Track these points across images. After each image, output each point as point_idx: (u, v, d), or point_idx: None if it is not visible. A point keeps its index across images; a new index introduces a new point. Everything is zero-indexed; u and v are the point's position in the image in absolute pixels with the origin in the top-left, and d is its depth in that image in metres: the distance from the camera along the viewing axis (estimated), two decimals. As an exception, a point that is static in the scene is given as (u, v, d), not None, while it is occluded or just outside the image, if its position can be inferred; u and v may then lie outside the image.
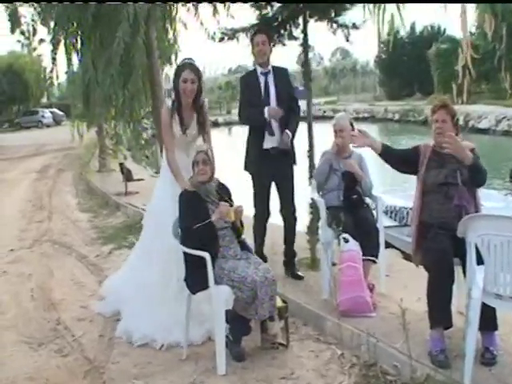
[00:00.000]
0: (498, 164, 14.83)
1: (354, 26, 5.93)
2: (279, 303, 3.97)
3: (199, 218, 3.87)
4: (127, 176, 10.80)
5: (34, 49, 47.87)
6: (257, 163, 5.07)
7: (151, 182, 7.02)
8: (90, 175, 13.86)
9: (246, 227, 4.19)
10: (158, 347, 4.16)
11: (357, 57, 67.68)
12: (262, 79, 5.05)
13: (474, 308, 3.28)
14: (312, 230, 5.48)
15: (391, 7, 4.27)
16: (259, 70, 5.07)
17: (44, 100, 50.56)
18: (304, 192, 5.52)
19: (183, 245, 3.89)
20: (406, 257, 5.77)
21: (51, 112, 45.48)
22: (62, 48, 9.09)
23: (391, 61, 41.88)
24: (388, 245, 5.86)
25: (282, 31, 5.86)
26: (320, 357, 3.92)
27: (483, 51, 21.07)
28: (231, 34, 6.14)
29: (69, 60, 9.24)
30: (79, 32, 9.11)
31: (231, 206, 3.99)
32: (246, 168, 5.23)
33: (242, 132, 5.43)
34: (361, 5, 4.82)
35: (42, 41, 41.54)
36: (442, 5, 4.29)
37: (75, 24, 8.90)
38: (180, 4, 8.97)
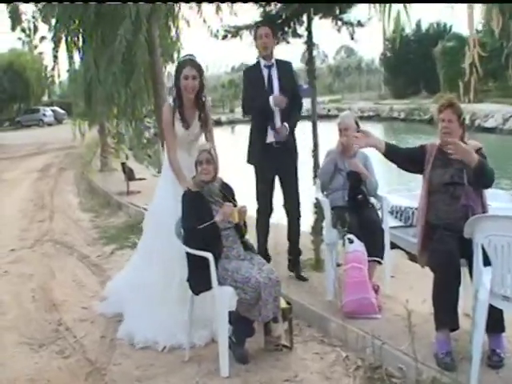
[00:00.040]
0: (505, 163, 14.81)
1: (359, 24, 5.92)
2: (283, 304, 3.98)
3: (202, 218, 3.86)
4: (129, 175, 10.81)
5: (35, 46, 47.89)
6: (260, 156, 5.08)
7: (153, 182, 7.02)
8: (92, 174, 13.87)
9: (248, 226, 4.19)
10: (160, 349, 4.17)
11: (362, 55, 67.55)
12: (265, 72, 5.05)
13: (481, 310, 3.28)
14: (316, 230, 5.47)
15: (397, 4, 4.25)
16: (262, 62, 5.08)
17: (45, 98, 50.61)
18: (308, 192, 5.51)
19: (186, 245, 3.89)
20: (412, 258, 5.75)
21: (52, 110, 45.55)
22: (63, 46, 9.11)
23: (396, 59, 41.82)
24: (393, 245, 5.85)
25: (286, 28, 5.85)
26: (324, 359, 3.92)
27: (490, 49, 21.03)
28: (234, 32, 6.13)
29: (70, 58, 9.25)
30: (81, 29, 9.12)
31: (235, 206, 3.99)
32: (249, 160, 5.24)
33: (245, 131, 5.43)
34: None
35: (43, 38, 41.53)
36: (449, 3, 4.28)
37: (77, 21, 8.91)
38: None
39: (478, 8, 3.90)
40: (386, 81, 46.92)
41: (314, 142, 5.62)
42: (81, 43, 9.26)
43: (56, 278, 6.14)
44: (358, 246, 4.41)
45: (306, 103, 5.67)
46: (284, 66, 5.11)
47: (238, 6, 7.97)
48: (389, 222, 4.95)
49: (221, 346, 3.78)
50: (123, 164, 11.14)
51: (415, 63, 40.15)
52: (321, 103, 32.77)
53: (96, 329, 4.66)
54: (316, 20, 5.73)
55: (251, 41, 5.67)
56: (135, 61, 8.17)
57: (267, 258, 5.16)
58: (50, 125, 43.15)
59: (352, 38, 6.03)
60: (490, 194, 4.05)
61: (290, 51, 6.76)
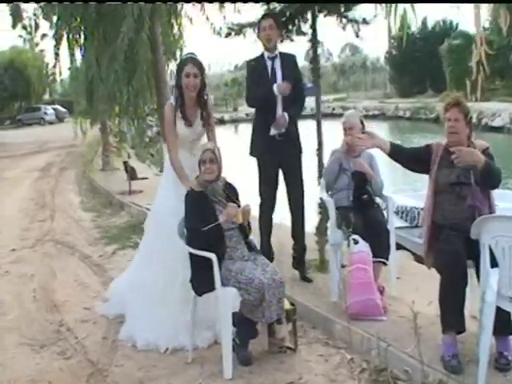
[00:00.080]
0: (513, 163, 14.76)
1: (365, 21, 5.90)
2: (287, 306, 3.97)
3: (206, 218, 3.86)
4: (131, 174, 10.82)
5: (37, 44, 48.17)
6: (263, 149, 5.09)
7: (156, 181, 7.05)
8: (94, 174, 13.90)
9: (250, 224, 4.18)
10: (162, 351, 4.17)
11: (367, 53, 67.53)
12: (268, 63, 5.07)
13: (488, 312, 3.27)
14: (321, 230, 5.47)
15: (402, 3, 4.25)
16: (266, 54, 5.10)
17: (46, 96, 50.68)
18: (313, 192, 5.50)
19: (189, 245, 3.89)
20: (418, 259, 5.75)
21: (54, 109, 45.63)
22: (64, 43, 9.12)
23: (402, 57, 41.73)
24: (399, 246, 5.84)
25: (291, 26, 5.84)
26: (329, 361, 3.92)
27: (497, 47, 21.01)
28: (238, 30, 6.12)
29: (72, 55, 9.25)
30: (82, 27, 9.12)
31: (239, 206, 3.99)
32: (252, 153, 5.25)
33: (248, 130, 5.43)
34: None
35: (44, 36, 41.72)
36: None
37: (78, 19, 8.92)
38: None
39: (485, 6, 3.88)
40: (391, 79, 46.82)
41: (319, 141, 5.60)
42: (82, 41, 9.26)
43: (57, 278, 6.15)
44: (363, 247, 4.41)
45: (311, 102, 5.68)
46: (288, 58, 5.15)
47: (240, 3, 7.95)
48: (394, 223, 4.95)
49: (224, 348, 3.78)
50: (125, 163, 11.16)
51: (421, 61, 40.06)
52: (325, 102, 32.78)
53: (98, 330, 4.66)
54: (321, 17, 5.72)
55: (255, 39, 5.67)
56: (137, 59, 8.17)
57: (270, 255, 5.18)
58: (51, 123, 43.22)
59: (357, 36, 6.01)
60: (497, 194, 4.04)
61: (294, 49, 6.75)
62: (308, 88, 6.54)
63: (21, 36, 46.37)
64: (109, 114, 10.51)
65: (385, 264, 4.60)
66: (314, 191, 5.47)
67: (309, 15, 5.62)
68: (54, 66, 9.61)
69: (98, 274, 6.15)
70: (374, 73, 59.14)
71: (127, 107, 9.32)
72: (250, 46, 5.54)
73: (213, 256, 3.73)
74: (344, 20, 5.83)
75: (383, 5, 3.99)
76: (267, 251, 5.13)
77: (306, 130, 5.57)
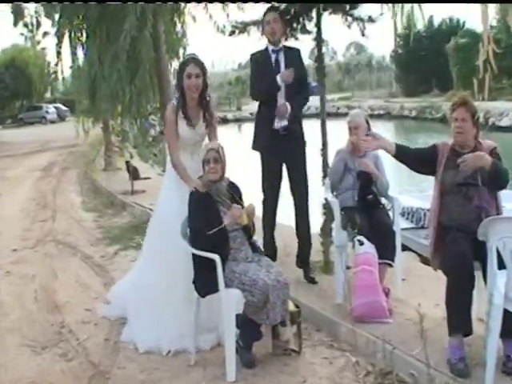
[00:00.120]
0: (520, 163, 14.71)
1: (370, 20, 5.89)
2: (291, 308, 3.97)
3: (210, 220, 3.87)
4: (133, 174, 10.82)
5: (38, 42, 48.26)
6: (266, 142, 5.10)
7: (158, 181, 7.05)
8: (96, 173, 13.91)
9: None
10: (164, 353, 4.16)
11: (372, 51, 67.62)
12: (272, 56, 5.11)
13: (496, 314, 3.26)
14: (325, 231, 5.46)
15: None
16: (270, 47, 5.14)
17: (48, 95, 50.79)
18: (317, 192, 5.50)
19: (192, 246, 3.89)
20: (424, 260, 5.75)
21: (55, 107, 45.69)
22: (66, 41, 9.14)
23: (408, 56, 41.67)
24: (404, 248, 5.85)
25: (295, 25, 5.83)
26: (334, 364, 3.91)
27: (505, 45, 20.94)
28: (242, 28, 6.11)
29: (74, 54, 9.27)
30: (85, 25, 9.14)
31: (242, 206, 3.99)
32: (255, 147, 5.26)
33: (252, 129, 5.43)
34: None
35: (45, 34, 41.85)
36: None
37: (80, 17, 8.93)
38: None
39: (493, 4, 3.88)
40: (397, 78, 46.77)
41: (323, 140, 5.59)
42: (84, 39, 9.28)
43: (59, 278, 6.16)
44: (369, 248, 4.40)
45: (315, 101, 5.67)
46: (292, 52, 5.19)
47: (240, 3, 7.94)
48: (400, 224, 4.94)
49: (227, 350, 3.77)
50: (127, 163, 11.16)
51: (427, 60, 39.99)
52: (330, 101, 32.73)
53: (100, 331, 4.66)
54: (325, 16, 5.71)
55: (259, 37, 5.68)
56: (140, 57, 8.18)
57: (273, 252, 5.17)
58: (52, 122, 43.28)
59: (363, 35, 6.00)
60: (505, 195, 4.03)
61: (299, 48, 6.74)
62: (313, 87, 6.53)
63: (22, 34, 46.59)
64: (111, 113, 10.53)
65: (390, 266, 4.59)
66: (318, 191, 5.47)
67: (314, 13, 5.61)
68: (56, 65, 9.64)
69: (99, 275, 6.16)
70: (379, 72, 59.10)
71: (130, 106, 9.33)
72: (255, 45, 5.54)
73: (216, 257, 3.72)
74: (349, 18, 5.81)
75: (390, 4, 3.99)
76: (270, 248, 5.14)
77: (310, 129, 5.56)
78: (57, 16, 9.27)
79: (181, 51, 10.01)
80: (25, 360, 4.26)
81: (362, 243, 4.41)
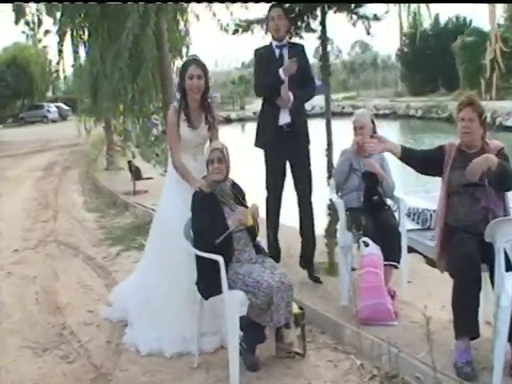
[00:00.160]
0: (528, 164, 14.66)
1: (376, 18, 5.88)
2: (295, 310, 3.97)
3: (214, 220, 3.87)
4: (136, 174, 10.83)
5: (40, 40, 48.28)
6: (270, 139, 5.11)
7: (161, 181, 7.05)
8: (97, 173, 13.92)
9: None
10: (167, 356, 4.16)
11: (377, 50, 67.50)
12: (276, 51, 5.14)
13: (503, 317, 3.26)
14: (330, 233, 5.45)
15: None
16: (274, 43, 5.17)
17: (49, 94, 50.90)
18: (322, 193, 5.50)
19: (195, 247, 3.89)
20: (430, 262, 5.73)
21: (57, 106, 45.77)
22: (68, 40, 9.16)
23: (414, 54, 41.63)
24: (410, 249, 5.83)
25: (300, 23, 5.83)
26: (338, 367, 3.91)
27: (512, 44, 20.87)
28: (246, 26, 6.11)
29: (75, 52, 9.30)
30: (87, 23, 9.16)
31: (246, 207, 4.00)
32: (258, 144, 5.27)
33: (255, 129, 5.43)
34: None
35: (47, 32, 41.85)
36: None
37: (82, 15, 8.95)
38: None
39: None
40: (402, 77, 46.74)
41: (328, 140, 5.59)
42: (86, 37, 9.30)
43: (60, 280, 6.16)
44: (374, 250, 4.39)
45: (320, 100, 5.68)
46: (296, 48, 5.21)
47: (240, 3, 7.93)
48: (406, 225, 4.93)
49: (231, 353, 3.76)
50: (130, 162, 11.16)
51: (433, 59, 39.94)
52: (335, 100, 32.70)
53: (101, 333, 4.67)
54: (330, 14, 5.71)
55: (263, 35, 5.69)
56: (143, 56, 8.20)
57: (277, 253, 5.17)
58: (54, 121, 43.37)
59: (368, 33, 5.99)
60: (512, 196, 4.02)
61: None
62: (317, 86, 6.53)
63: (24, 32, 46.52)
64: (113, 113, 10.56)
65: (396, 267, 4.59)
66: (323, 192, 5.46)
67: (318, 11, 5.61)
68: (58, 63, 9.68)
69: (101, 276, 6.16)
70: (384, 71, 59.06)
71: (132, 105, 9.35)
72: (258, 43, 5.55)
73: (220, 258, 3.72)
74: (354, 16, 5.81)
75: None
76: (274, 249, 5.14)
77: (315, 129, 5.57)
78: (58, 14, 9.30)
79: (184, 50, 10.04)
80: (26, 362, 4.27)
81: (367, 244, 4.41)
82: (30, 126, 40.31)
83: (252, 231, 4.01)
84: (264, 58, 5.18)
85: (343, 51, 72.90)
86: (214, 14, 8.97)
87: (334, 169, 5.24)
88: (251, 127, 7.10)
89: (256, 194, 4.82)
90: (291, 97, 4.99)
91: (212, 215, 3.90)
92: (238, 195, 4.09)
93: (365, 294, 4.26)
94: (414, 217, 7.84)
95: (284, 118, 5.06)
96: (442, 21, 43.08)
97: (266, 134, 5.15)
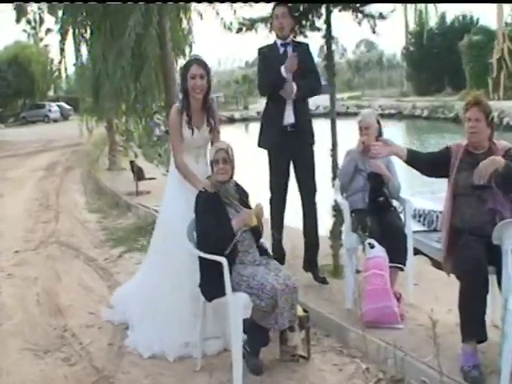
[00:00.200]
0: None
1: (381, 16, 5.88)
2: (300, 312, 3.96)
3: (219, 221, 3.86)
4: (138, 175, 10.84)
5: (41, 39, 48.48)
6: (274, 140, 5.10)
7: (163, 181, 7.03)
8: (99, 173, 13.95)
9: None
10: (170, 359, 4.15)
11: (382, 49, 67.48)
12: (281, 49, 5.14)
13: (511, 320, 3.24)
14: (335, 234, 5.44)
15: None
16: (279, 42, 5.18)
17: (51, 93, 50.98)
18: (327, 194, 5.49)
19: (199, 249, 3.89)
20: (436, 264, 5.72)
21: (58, 106, 45.83)
22: (70, 38, 9.17)
23: (420, 53, 41.56)
24: (416, 251, 5.82)
25: (304, 22, 5.83)
26: (343, 371, 3.90)
27: (520, 43, 20.79)
28: (249, 25, 6.11)
29: (77, 51, 9.31)
30: (89, 21, 9.17)
31: (250, 208, 3.99)
32: (261, 144, 5.27)
33: (259, 129, 5.43)
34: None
35: (49, 30, 42.00)
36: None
37: (84, 13, 8.96)
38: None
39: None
40: (408, 76, 46.66)
41: (333, 140, 5.58)
42: (88, 36, 9.31)
43: (61, 281, 6.18)
44: (379, 252, 4.38)
45: (324, 100, 5.67)
46: (301, 46, 5.21)
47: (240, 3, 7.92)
48: (412, 227, 4.91)
49: (234, 356, 3.76)
50: (132, 163, 11.17)
51: (439, 58, 39.86)
52: (339, 100, 32.70)
53: (103, 335, 4.67)
54: (335, 12, 5.70)
55: (267, 34, 5.69)
56: (145, 54, 8.20)
57: (282, 256, 5.16)
58: (55, 121, 43.45)
59: (374, 32, 5.98)
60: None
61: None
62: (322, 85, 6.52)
63: (25, 31, 46.79)
64: (115, 112, 10.56)
65: (402, 270, 4.58)
66: (328, 193, 5.45)
67: (323, 10, 5.61)
68: (59, 62, 9.69)
69: (103, 278, 6.17)
70: (390, 70, 59.00)
71: (134, 105, 9.36)
72: (262, 42, 5.55)
73: (223, 260, 3.71)
74: (360, 15, 5.80)
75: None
76: (278, 251, 5.13)
77: (319, 129, 5.55)
78: (60, 13, 9.31)
79: (187, 49, 10.03)
80: (27, 364, 4.27)
81: (372, 246, 4.40)
82: (31, 126, 40.40)
83: (256, 231, 4.01)
84: (268, 57, 5.18)
85: (348, 50, 72.86)
86: (218, 13, 8.96)
87: (338, 169, 5.23)
88: (255, 127, 7.11)
89: (259, 195, 4.82)
90: (294, 87, 4.98)
91: (217, 216, 3.90)
92: (242, 196, 4.09)
93: (370, 296, 4.25)
94: (420, 218, 7.83)
95: (288, 118, 5.06)
96: (449, 19, 42.98)
97: (270, 134, 5.14)
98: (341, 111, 23.62)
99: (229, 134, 4.74)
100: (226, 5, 8.39)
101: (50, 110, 44.80)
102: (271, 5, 5.38)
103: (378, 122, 4.96)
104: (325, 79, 5.77)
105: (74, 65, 10.07)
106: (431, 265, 6.13)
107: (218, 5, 8.79)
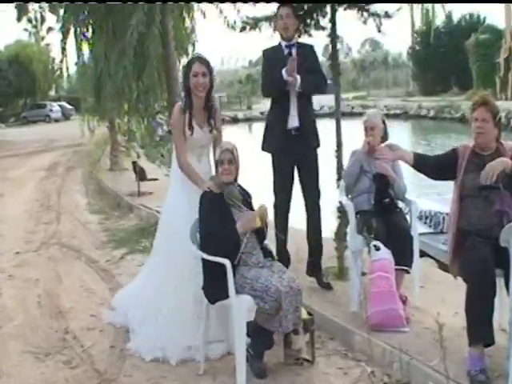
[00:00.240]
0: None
1: (387, 15, 5.87)
2: (304, 315, 3.95)
3: (223, 222, 3.86)
4: (140, 175, 10.85)
5: (42, 38, 48.57)
6: (278, 143, 5.11)
7: (166, 182, 7.05)
8: (101, 174, 13.97)
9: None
10: (172, 363, 4.15)
11: (388, 48, 67.60)
12: (285, 51, 5.13)
13: (519, 324, 3.24)
14: (340, 236, 5.44)
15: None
16: (283, 43, 5.17)
17: (52, 93, 51.05)
18: (331, 195, 5.49)
19: (202, 250, 3.89)
20: (443, 267, 5.72)
21: (60, 106, 45.95)
22: (71, 37, 9.19)
23: (426, 53, 41.55)
24: (422, 253, 5.81)
25: (309, 20, 5.83)
26: (348, 374, 3.89)
27: (527, 42, 20.80)
28: (253, 24, 6.11)
29: (79, 50, 9.32)
30: (90, 20, 9.18)
31: (253, 210, 4.00)
32: (265, 148, 5.27)
33: (263, 129, 5.43)
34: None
35: (50, 29, 42.06)
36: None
37: (86, 12, 8.98)
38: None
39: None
40: (414, 76, 46.68)
41: (338, 141, 5.58)
42: (90, 35, 9.32)
43: (63, 283, 6.18)
44: (385, 254, 4.38)
45: (329, 100, 5.66)
46: (305, 47, 5.21)
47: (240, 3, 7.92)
48: (418, 228, 4.91)
49: (238, 359, 3.75)
50: (134, 163, 11.18)
51: (446, 57, 39.84)
52: (344, 100, 32.70)
53: (105, 338, 4.67)
54: (340, 11, 5.70)
55: (271, 33, 5.69)
56: (148, 54, 8.20)
57: (287, 259, 5.16)
58: (57, 121, 43.56)
59: (379, 31, 5.98)
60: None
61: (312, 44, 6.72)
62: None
63: (26, 29, 46.90)
64: (117, 112, 10.57)
65: (408, 272, 4.57)
66: (332, 194, 5.45)
67: (328, 9, 5.60)
68: (61, 61, 9.72)
69: (105, 280, 6.17)
70: (395, 69, 59.03)
71: (137, 104, 9.36)
72: (266, 41, 5.56)
73: (227, 262, 3.71)
74: (365, 14, 5.80)
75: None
76: (283, 254, 5.12)
77: (324, 129, 5.56)
78: (61, 11, 9.33)
79: (190, 48, 10.03)
80: (28, 367, 4.28)
81: (378, 248, 4.39)
82: (32, 126, 40.50)
83: (260, 233, 4.01)
84: (272, 59, 5.18)
85: (353, 49, 72.88)
86: (221, 12, 8.97)
87: (343, 170, 5.22)
88: (258, 127, 7.11)
89: (263, 196, 4.82)
90: (298, 78, 4.97)
91: (221, 216, 3.90)
92: (246, 197, 4.09)
93: (375, 299, 4.24)
94: (426, 220, 7.82)
95: (292, 122, 5.06)
96: (455, 18, 43.07)
97: (274, 137, 5.14)
98: (346, 111, 23.69)
99: (232, 134, 4.74)
100: (230, 4, 8.41)
101: (51, 110, 44.92)
102: (275, 3, 5.39)
103: (384, 123, 4.96)
104: (330, 79, 5.76)
105: (76, 64, 10.09)
106: (437, 267, 6.13)
107: (221, 4, 8.81)
